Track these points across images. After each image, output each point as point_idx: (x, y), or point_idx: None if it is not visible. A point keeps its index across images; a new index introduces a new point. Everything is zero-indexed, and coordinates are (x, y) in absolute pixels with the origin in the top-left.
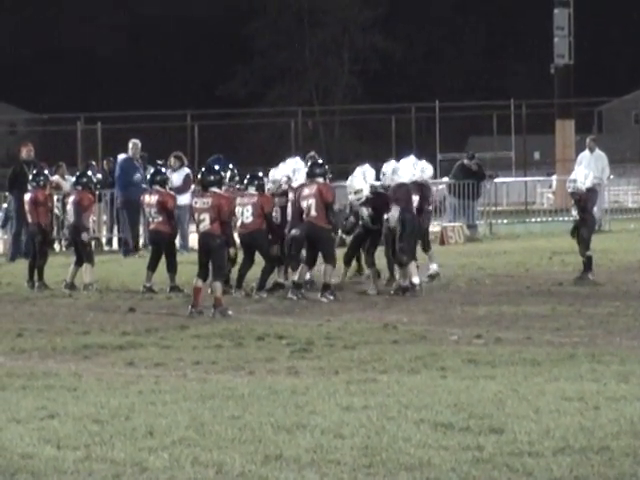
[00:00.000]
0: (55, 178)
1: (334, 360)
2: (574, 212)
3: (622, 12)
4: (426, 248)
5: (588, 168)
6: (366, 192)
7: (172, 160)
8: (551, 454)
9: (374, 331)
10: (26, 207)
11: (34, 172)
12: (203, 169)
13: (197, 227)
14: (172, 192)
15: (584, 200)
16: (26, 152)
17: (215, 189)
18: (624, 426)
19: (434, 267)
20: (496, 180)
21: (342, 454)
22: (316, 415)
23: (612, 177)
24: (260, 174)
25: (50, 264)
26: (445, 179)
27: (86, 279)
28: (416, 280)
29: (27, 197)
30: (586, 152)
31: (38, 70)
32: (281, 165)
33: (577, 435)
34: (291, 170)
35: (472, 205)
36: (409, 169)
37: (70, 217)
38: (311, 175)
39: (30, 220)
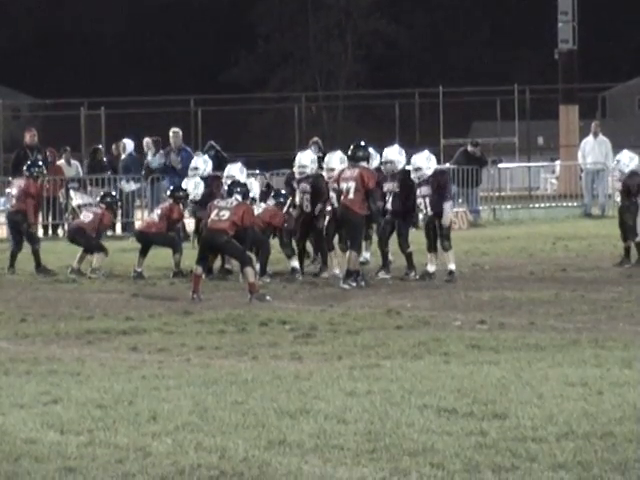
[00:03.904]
0: (60, 163)
1: (337, 345)
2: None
3: None
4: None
5: (592, 153)
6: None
7: None
8: (554, 439)
9: (377, 317)
10: (14, 191)
11: (29, 162)
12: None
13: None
14: (180, 208)
15: (625, 185)
16: (29, 137)
17: (239, 197)
18: (627, 411)
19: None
20: (499, 166)
21: (345, 439)
22: (319, 400)
23: None
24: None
25: (53, 249)
26: (447, 165)
27: (95, 263)
28: (453, 267)
29: (17, 183)
30: (590, 137)
31: (41, 55)
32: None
33: (580, 420)
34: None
35: (474, 191)
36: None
37: (86, 220)
38: (353, 159)
39: (15, 207)
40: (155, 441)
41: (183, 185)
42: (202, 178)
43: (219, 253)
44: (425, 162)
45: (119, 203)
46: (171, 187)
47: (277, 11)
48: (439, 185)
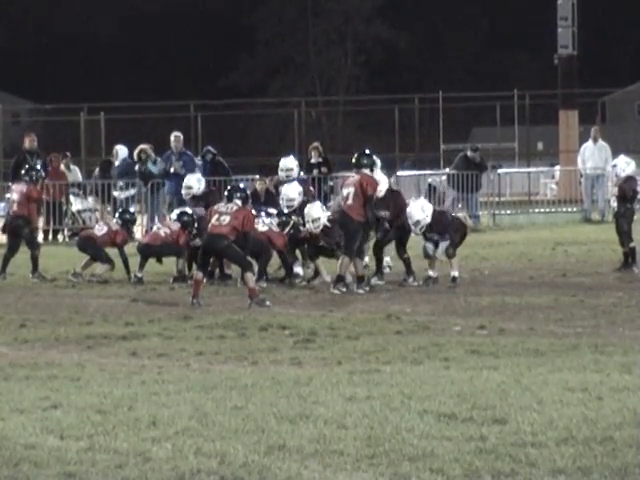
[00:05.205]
0: (60, 168)
1: (337, 351)
2: (614, 203)
3: (626, 2)
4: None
5: (592, 158)
6: (324, 220)
7: None
8: (554, 445)
9: (377, 322)
10: (14, 197)
11: (27, 166)
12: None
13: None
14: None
15: (621, 189)
16: (29, 142)
17: (238, 202)
18: (627, 417)
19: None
20: (499, 171)
21: (345, 444)
22: (319, 405)
23: None
24: (242, 185)
25: (54, 254)
26: (446, 170)
27: (98, 271)
28: (456, 273)
29: (18, 188)
30: (589, 142)
31: (41, 60)
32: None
33: (580, 426)
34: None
35: (473, 196)
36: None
37: (98, 233)
38: (357, 165)
39: (16, 212)
40: (155, 446)
41: None
42: (196, 196)
43: (220, 258)
44: (421, 214)
45: (136, 222)
46: (178, 212)
47: (277, 16)
48: (441, 225)
